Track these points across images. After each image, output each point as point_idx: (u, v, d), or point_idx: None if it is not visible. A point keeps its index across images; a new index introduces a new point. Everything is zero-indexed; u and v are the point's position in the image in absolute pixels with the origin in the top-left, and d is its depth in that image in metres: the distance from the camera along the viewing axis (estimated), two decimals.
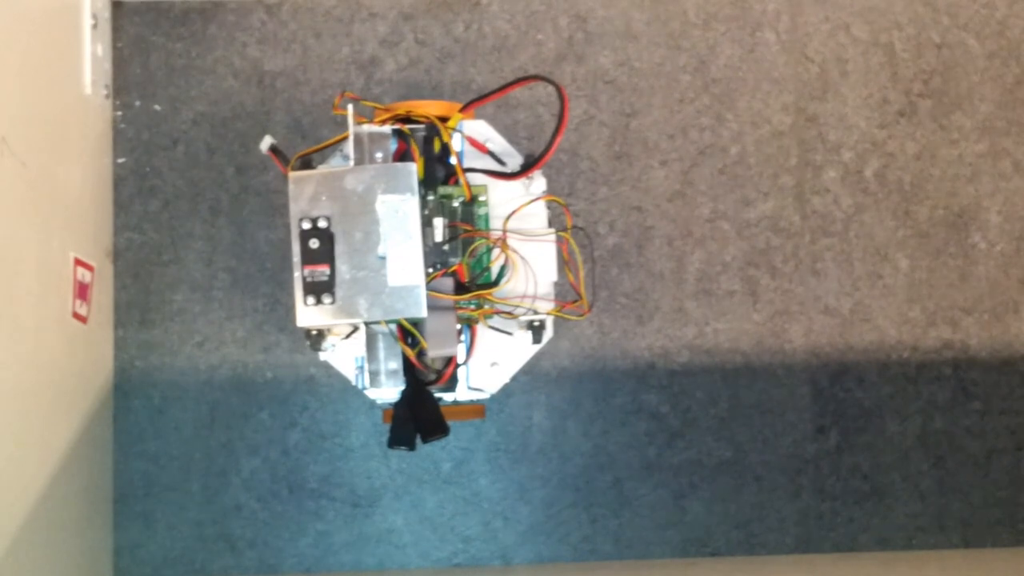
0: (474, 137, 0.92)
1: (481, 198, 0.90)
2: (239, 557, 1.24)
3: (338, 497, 1.24)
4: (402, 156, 0.88)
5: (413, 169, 0.81)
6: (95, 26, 1.18)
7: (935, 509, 1.29)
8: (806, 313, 1.29)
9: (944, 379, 1.29)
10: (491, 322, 0.90)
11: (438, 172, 0.89)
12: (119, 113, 1.26)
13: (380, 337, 0.86)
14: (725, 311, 1.28)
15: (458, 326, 0.87)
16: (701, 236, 1.28)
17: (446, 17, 1.28)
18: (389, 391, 0.89)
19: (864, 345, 1.29)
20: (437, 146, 0.88)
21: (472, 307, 0.87)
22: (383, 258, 0.80)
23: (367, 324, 0.83)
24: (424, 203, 0.87)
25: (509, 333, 0.91)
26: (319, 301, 0.80)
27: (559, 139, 0.82)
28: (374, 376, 0.87)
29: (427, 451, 1.25)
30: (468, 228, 0.89)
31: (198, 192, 1.26)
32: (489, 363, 0.93)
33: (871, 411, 1.28)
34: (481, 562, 1.25)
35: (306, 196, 0.80)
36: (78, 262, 1.12)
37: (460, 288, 0.87)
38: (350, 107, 0.84)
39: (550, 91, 1.28)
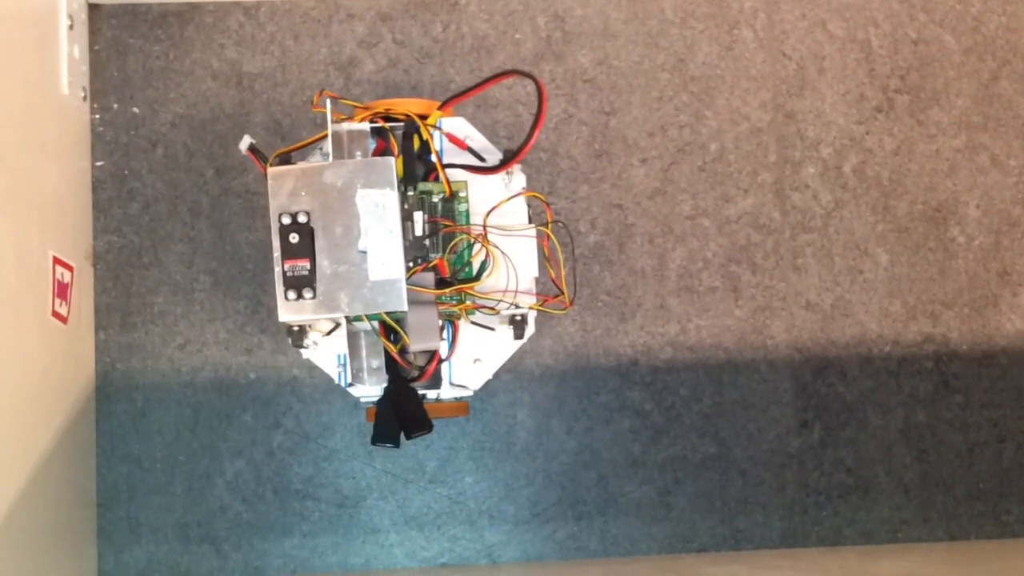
0: (454, 134, 0.92)
1: (461, 194, 0.90)
2: (224, 560, 1.23)
3: (323, 498, 1.24)
4: (382, 154, 0.88)
5: (392, 163, 0.81)
6: (71, 27, 1.18)
7: (919, 502, 1.29)
8: (787, 309, 1.29)
9: (925, 373, 1.30)
10: (473, 318, 0.90)
11: (418, 169, 0.89)
12: (97, 116, 1.25)
13: (362, 334, 0.86)
14: (707, 307, 1.28)
15: (440, 322, 0.87)
16: (682, 233, 1.29)
17: (424, 17, 1.28)
18: (372, 388, 0.89)
19: (846, 340, 1.29)
20: (417, 143, 0.88)
21: (454, 302, 0.87)
22: (364, 252, 0.80)
23: (349, 321, 0.83)
24: (404, 199, 0.87)
25: (491, 328, 0.91)
26: (300, 296, 0.80)
27: (538, 130, 0.82)
28: (357, 373, 0.87)
29: (411, 450, 1.24)
30: (448, 224, 0.89)
31: (178, 195, 1.25)
32: (472, 360, 0.93)
33: (853, 405, 1.29)
34: (468, 561, 1.25)
35: (285, 191, 0.80)
36: (57, 261, 1.12)
37: (441, 283, 0.87)
38: (328, 103, 0.84)
39: (529, 91, 1.28)
